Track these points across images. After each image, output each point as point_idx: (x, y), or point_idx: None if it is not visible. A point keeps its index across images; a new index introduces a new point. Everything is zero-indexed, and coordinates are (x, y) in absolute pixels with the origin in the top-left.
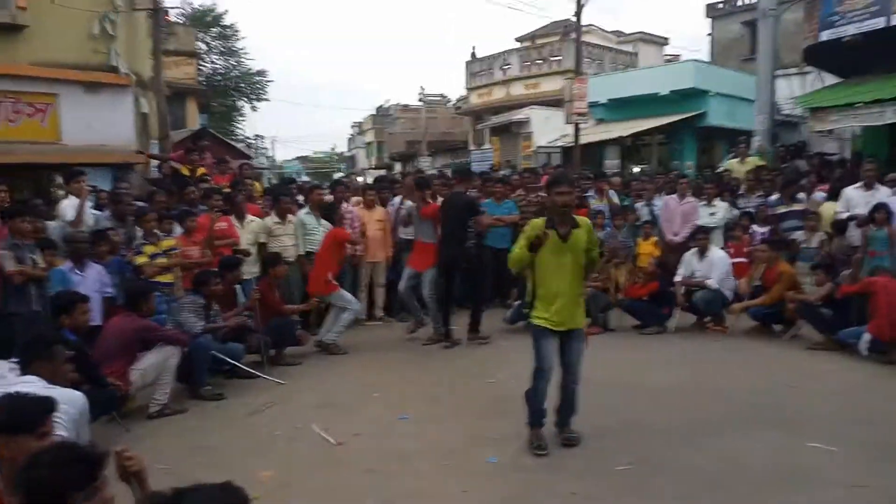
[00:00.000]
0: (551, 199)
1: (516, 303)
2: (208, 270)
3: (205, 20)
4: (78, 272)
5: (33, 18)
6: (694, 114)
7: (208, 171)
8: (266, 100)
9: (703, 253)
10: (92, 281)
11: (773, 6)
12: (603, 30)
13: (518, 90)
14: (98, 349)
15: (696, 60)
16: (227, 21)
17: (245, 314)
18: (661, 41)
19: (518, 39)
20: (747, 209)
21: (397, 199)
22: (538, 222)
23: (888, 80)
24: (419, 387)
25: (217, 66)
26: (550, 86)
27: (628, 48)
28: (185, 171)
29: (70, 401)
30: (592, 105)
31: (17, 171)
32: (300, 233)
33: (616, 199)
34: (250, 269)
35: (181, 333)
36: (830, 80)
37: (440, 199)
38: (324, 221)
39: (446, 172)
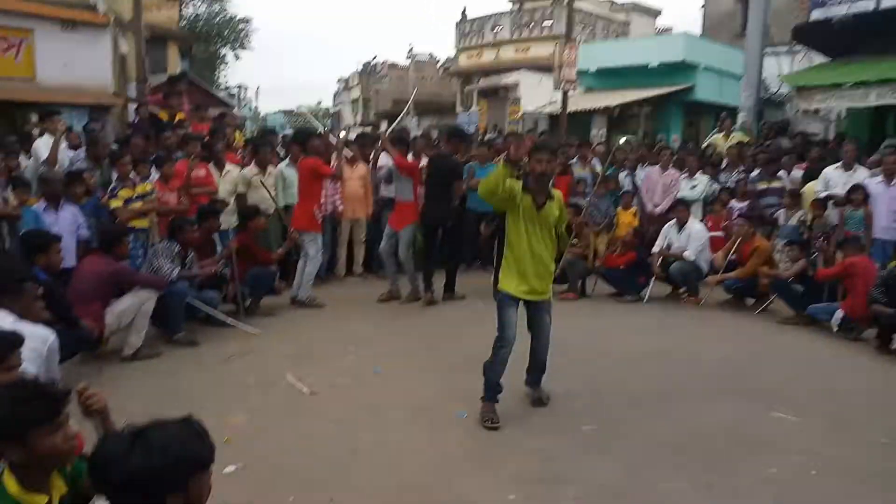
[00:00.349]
0: (530, 166)
1: None
2: (185, 218)
3: None
4: (52, 212)
5: None
6: (682, 87)
7: (186, 118)
8: (250, 49)
9: (681, 225)
10: (66, 222)
11: None
12: None
13: (508, 53)
14: (72, 290)
15: (686, 33)
16: None
17: (222, 263)
18: (654, 12)
19: (510, 1)
20: (727, 184)
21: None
22: (508, 171)
23: (875, 62)
24: (394, 342)
25: (200, 11)
26: (541, 51)
27: (621, 17)
28: (164, 116)
29: (39, 338)
30: (582, 73)
31: None
32: (280, 185)
33: (599, 168)
34: (228, 220)
35: (157, 278)
36: (819, 60)
37: (424, 160)
38: None
39: (431, 133)
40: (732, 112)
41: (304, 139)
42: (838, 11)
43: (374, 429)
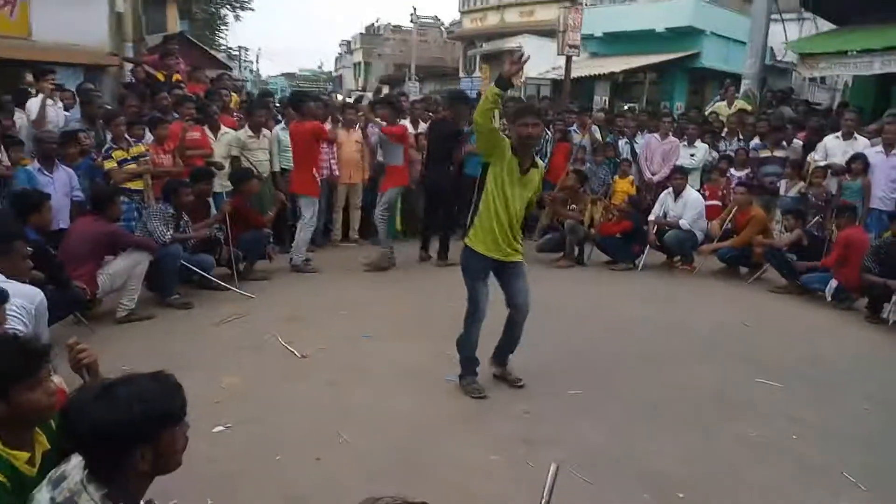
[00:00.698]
0: (515, 130)
1: (546, 236)
2: (179, 180)
3: None
4: (46, 173)
5: None
6: (688, 53)
7: (182, 79)
8: (251, 9)
9: (678, 193)
10: (61, 183)
11: None
12: None
13: (512, 17)
14: (64, 251)
15: None
16: None
17: (215, 227)
18: None
19: None
20: (727, 152)
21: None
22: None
23: (881, 30)
24: (386, 307)
25: None
26: (546, 15)
27: None
28: (161, 77)
29: (27, 296)
30: (586, 38)
31: None
32: (275, 149)
33: (598, 135)
34: (222, 183)
35: (150, 240)
36: (826, 27)
37: (423, 125)
38: None
39: (434, 98)
40: (737, 79)
41: (299, 102)
42: None
43: (364, 391)
